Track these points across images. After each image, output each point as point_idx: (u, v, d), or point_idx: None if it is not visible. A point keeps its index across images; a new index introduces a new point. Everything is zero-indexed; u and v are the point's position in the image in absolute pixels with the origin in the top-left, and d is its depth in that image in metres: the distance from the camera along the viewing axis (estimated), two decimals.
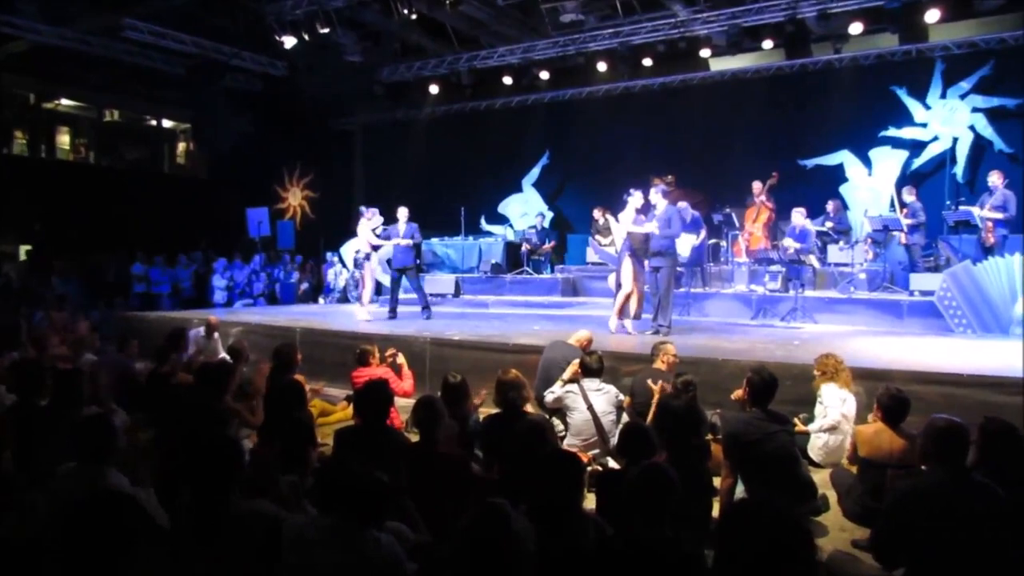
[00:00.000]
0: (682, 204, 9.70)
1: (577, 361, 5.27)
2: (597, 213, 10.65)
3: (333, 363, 7.70)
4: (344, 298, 13.26)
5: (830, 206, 11.03)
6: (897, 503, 2.93)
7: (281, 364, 5.52)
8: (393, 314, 9.80)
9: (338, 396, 6.93)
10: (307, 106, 14.89)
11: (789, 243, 9.65)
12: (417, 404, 3.92)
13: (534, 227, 13.48)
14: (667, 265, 7.94)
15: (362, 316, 9.77)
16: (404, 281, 9.90)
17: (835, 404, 5.01)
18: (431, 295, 10.68)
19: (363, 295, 10.23)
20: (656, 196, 8.17)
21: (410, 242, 9.61)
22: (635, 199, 8.06)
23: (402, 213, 9.68)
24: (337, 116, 16.61)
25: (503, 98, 14.77)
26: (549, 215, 14.11)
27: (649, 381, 5.15)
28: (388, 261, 12.88)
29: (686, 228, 9.65)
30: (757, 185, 11.15)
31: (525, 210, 14.86)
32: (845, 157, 12.09)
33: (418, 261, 10.35)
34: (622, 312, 8.22)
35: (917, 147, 11.64)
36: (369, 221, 9.96)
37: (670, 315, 8.07)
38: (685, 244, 9.51)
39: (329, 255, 14.40)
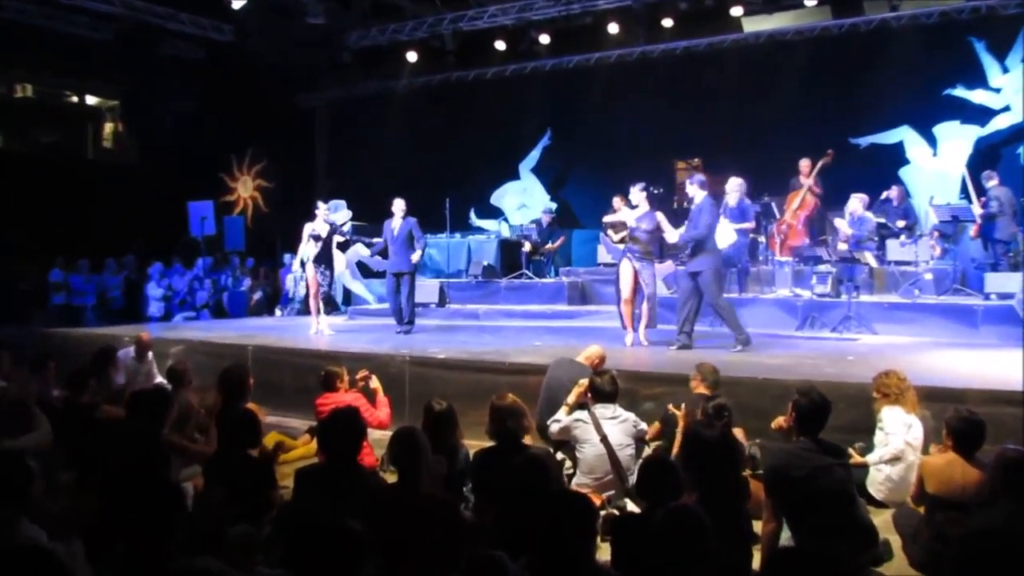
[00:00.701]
0: (737, 183, 9.70)
1: (585, 382, 5.27)
2: (617, 201, 10.53)
3: (293, 388, 7.74)
4: (306, 309, 13.25)
5: (893, 192, 11.00)
6: (964, 545, 2.96)
7: (230, 390, 5.50)
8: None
9: (299, 428, 6.92)
10: (260, 79, 14.88)
11: (841, 225, 9.59)
12: (394, 437, 3.91)
13: (536, 222, 13.40)
14: (709, 268, 7.81)
15: (312, 329, 9.85)
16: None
17: (899, 431, 5.00)
18: None
19: (313, 304, 10.21)
20: (692, 188, 8.10)
21: (421, 252, 9.56)
22: (636, 195, 8.08)
23: (398, 206, 9.61)
24: (296, 90, 16.62)
25: (495, 67, 14.81)
26: (552, 207, 14.10)
27: (685, 406, 5.17)
28: (358, 264, 12.92)
29: (732, 216, 9.65)
30: (805, 164, 10.82)
31: (523, 201, 14.88)
32: (905, 134, 12.13)
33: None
34: (633, 322, 8.27)
35: (986, 115, 11.67)
36: (334, 215, 9.91)
37: (692, 326, 8.03)
38: (724, 237, 9.26)
39: (287, 258, 14.38)
